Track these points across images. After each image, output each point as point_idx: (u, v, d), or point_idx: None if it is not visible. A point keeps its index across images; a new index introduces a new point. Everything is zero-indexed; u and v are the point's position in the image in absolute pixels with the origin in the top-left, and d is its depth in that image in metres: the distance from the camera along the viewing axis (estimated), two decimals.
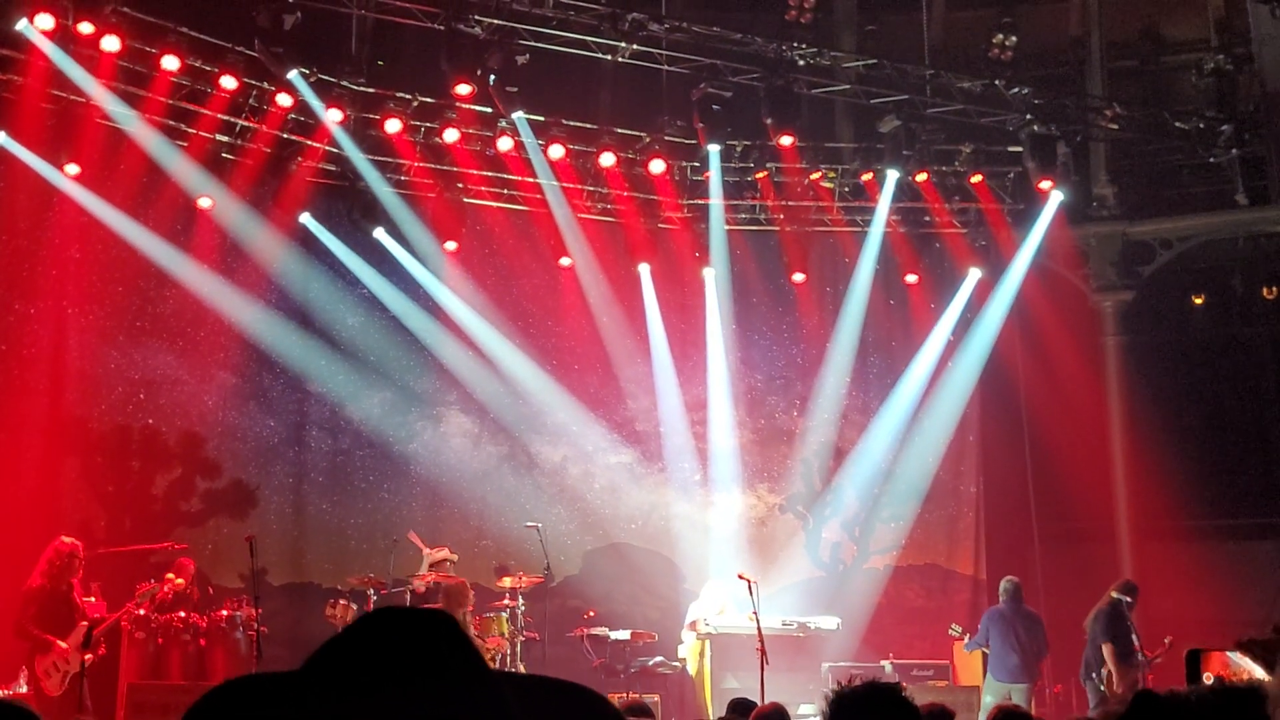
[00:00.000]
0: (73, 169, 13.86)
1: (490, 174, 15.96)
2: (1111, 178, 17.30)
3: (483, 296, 16.29)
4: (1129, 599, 13.09)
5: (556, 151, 15.43)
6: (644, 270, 16.81)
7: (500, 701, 1.26)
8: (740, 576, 12.65)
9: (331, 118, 14.48)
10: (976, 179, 16.54)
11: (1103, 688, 12.83)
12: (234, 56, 13.86)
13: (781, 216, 16.91)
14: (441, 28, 13.98)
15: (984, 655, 13.66)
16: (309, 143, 14.90)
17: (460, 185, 15.81)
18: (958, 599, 16.89)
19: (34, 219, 14.32)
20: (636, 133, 15.92)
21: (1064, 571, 16.41)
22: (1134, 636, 13.00)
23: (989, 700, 12.69)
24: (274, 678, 1.29)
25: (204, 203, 14.77)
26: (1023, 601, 13.55)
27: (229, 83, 13.90)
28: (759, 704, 7.94)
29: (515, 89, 14.35)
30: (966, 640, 13.95)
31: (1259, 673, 5.62)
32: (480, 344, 16.19)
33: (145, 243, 14.58)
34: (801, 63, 15.44)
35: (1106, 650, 12.80)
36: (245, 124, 14.64)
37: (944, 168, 16.51)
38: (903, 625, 16.36)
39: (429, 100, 14.96)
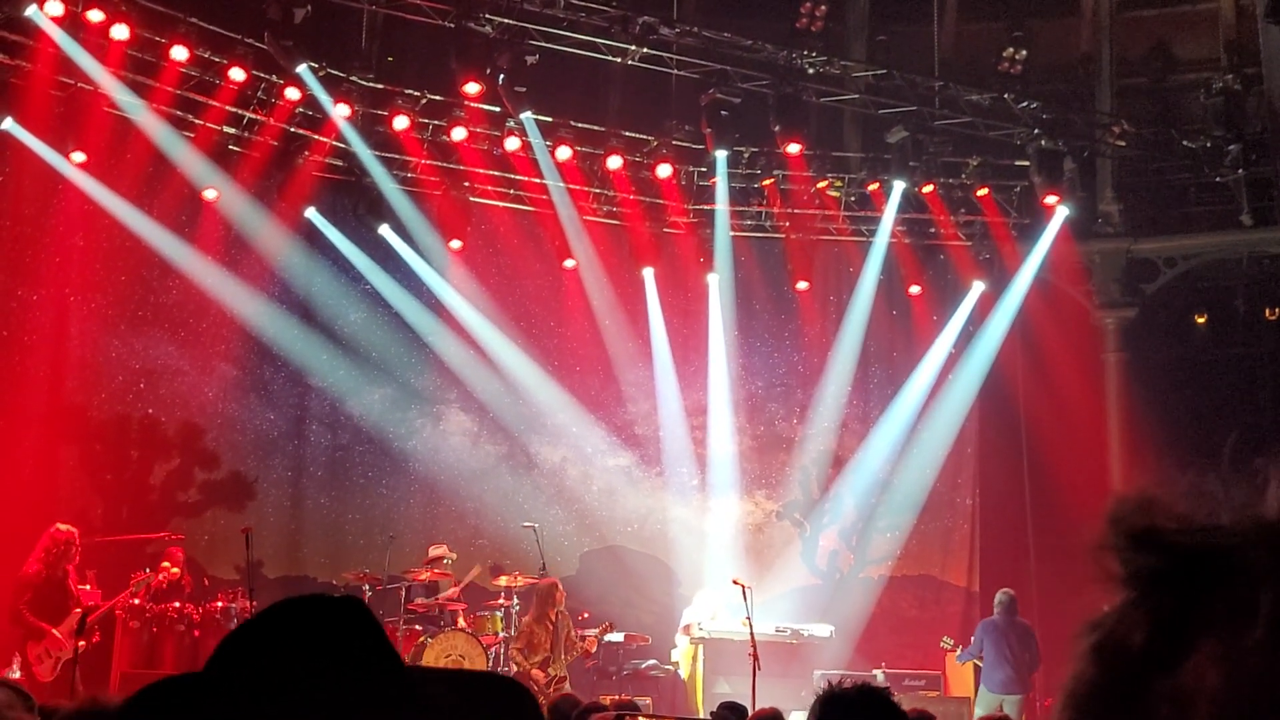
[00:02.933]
0: (79, 156, 13.85)
1: (497, 174, 15.96)
2: (1117, 194, 17.29)
3: (486, 296, 16.29)
4: None
5: (564, 153, 15.42)
6: (648, 274, 16.80)
7: (410, 691, 1.24)
8: (735, 582, 12.67)
9: (339, 113, 14.48)
10: (982, 192, 16.56)
11: None
12: (243, 49, 13.86)
13: (787, 224, 16.90)
14: (452, 25, 13.99)
15: (976, 667, 13.69)
16: (316, 137, 14.91)
17: (466, 184, 15.82)
18: (950, 610, 16.89)
19: (39, 205, 14.31)
20: (644, 136, 15.92)
21: (1059, 586, 16.38)
22: None
23: (981, 712, 12.71)
24: (189, 681, 1.27)
25: (209, 194, 14.76)
26: (1017, 614, 13.56)
27: (238, 75, 13.89)
28: (749, 708, 7.93)
29: (524, 89, 14.35)
30: (959, 652, 13.96)
31: None
32: (482, 343, 16.19)
33: (149, 232, 14.58)
34: (811, 71, 15.46)
35: None
36: (253, 116, 14.64)
37: (950, 180, 16.51)
38: (896, 635, 16.35)
39: (437, 98, 14.96)
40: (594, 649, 13.47)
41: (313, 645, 1.21)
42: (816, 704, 3.61)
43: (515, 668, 12.94)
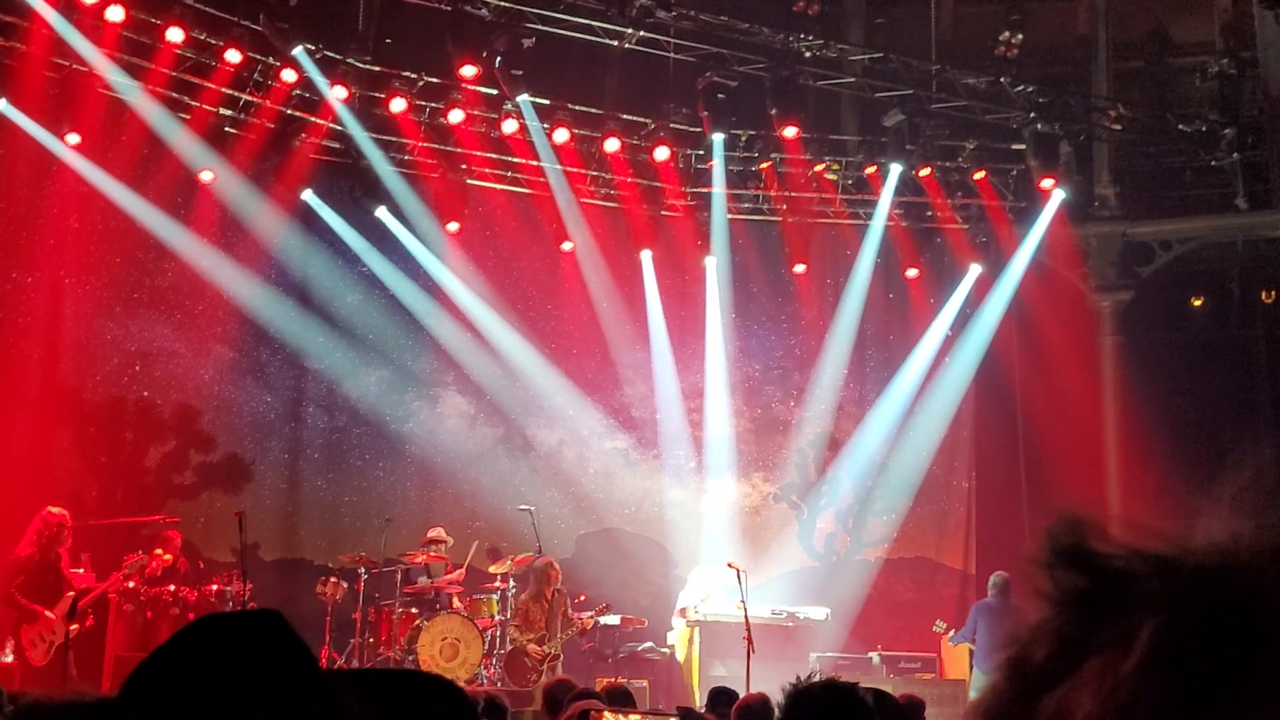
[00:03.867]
0: (73, 138, 13.80)
1: (494, 156, 15.92)
2: (1113, 178, 17.29)
3: (483, 278, 16.27)
4: None
5: (561, 135, 15.38)
6: (645, 257, 16.79)
7: (337, 706, 1.22)
8: (729, 565, 12.70)
9: (336, 95, 14.43)
10: (979, 175, 16.54)
11: None
12: (239, 30, 13.80)
13: (784, 207, 16.88)
14: (448, 8, 13.94)
15: (971, 650, 13.72)
16: (312, 119, 14.86)
17: (463, 166, 15.77)
18: (946, 593, 16.93)
19: (33, 187, 14.28)
20: (642, 119, 15.88)
21: None
22: None
23: (975, 695, 12.75)
24: (95, 707, 1.23)
25: (205, 176, 14.72)
26: (1011, 596, 13.60)
27: (233, 56, 13.84)
28: (741, 693, 7.95)
29: (521, 72, 14.31)
30: (951, 634, 14.00)
31: None
32: (479, 326, 16.18)
33: (145, 214, 14.54)
34: (808, 54, 15.42)
35: None
36: (249, 99, 14.59)
37: (947, 163, 16.51)
38: (892, 618, 16.39)
39: (434, 80, 14.91)
40: (589, 628, 13.54)
41: (231, 666, 1.18)
42: (784, 699, 3.60)
43: (511, 645, 13.03)
